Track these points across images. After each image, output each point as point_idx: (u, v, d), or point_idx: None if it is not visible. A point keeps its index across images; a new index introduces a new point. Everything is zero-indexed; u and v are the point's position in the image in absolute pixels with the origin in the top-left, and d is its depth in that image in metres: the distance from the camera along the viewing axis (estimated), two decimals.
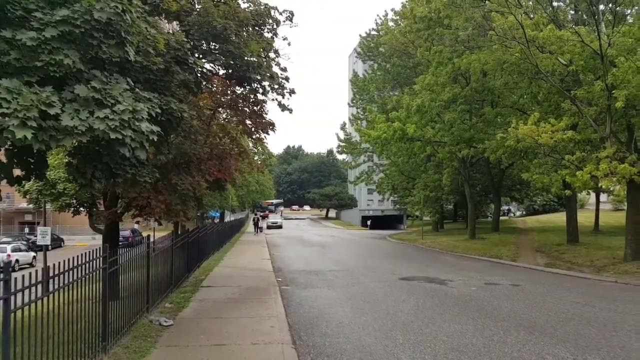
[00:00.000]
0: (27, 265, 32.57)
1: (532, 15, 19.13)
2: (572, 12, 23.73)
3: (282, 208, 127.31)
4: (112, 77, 6.52)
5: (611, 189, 28.41)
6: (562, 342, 8.12)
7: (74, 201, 17.53)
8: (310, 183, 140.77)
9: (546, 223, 45.60)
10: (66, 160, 9.60)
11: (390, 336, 8.66)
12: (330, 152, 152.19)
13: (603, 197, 42.34)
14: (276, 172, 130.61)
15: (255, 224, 54.71)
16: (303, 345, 8.19)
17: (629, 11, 22.06)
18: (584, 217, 37.18)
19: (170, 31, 9.51)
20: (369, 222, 77.55)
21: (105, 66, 6.77)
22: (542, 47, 18.18)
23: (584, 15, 21.81)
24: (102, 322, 7.12)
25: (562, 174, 18.44)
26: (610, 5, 21.53)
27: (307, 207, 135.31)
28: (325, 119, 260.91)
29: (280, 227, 64.68)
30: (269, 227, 63.37)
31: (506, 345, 7.93)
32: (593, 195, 40.32)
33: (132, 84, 6.95)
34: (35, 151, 6.19)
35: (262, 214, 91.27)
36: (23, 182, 7.41)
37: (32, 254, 34.42)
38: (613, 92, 16.44)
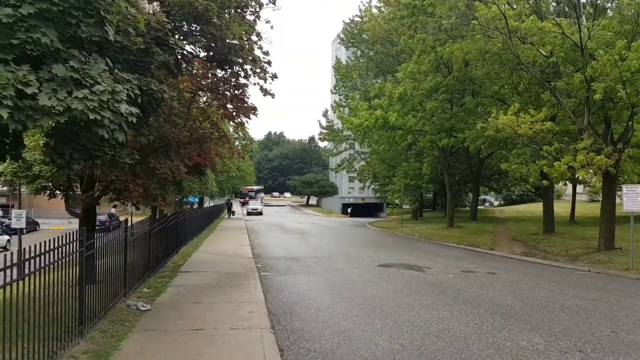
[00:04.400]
0: (1, 249, 31.98)
1: (515, 6, 19.24)
2: (554, 3, 23.94)
3: (262, 195, 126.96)
4: (91, 57, 6.38)
5: (587, 180, 29.00)
6: (536, 328, 8.30)
7: (50, 184, 17.18)
8: (292, 170, 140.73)
9: (523, 213, 46.36)
10: (43, 141, 9.41)
11: (369, 321, 8.74)
12: (312, 139, 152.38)
13: (579, 188, 43.20)
14: (257, 159, 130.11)
15: (229, 208, 59.34)
16: (282, 330, 8.23)
17: (609, 4, 22.34)
18: (561, 208, 37.89)
19: (151, 11, 9.33)
20: (349, 210, 77.93)
21: (84, 46, 6.62)
22: (524, 38, 18.32)
23: (566, 8, 21.99)
24: (79, 306, 7.04)
25: (540, 165, 18.71)
26: None
27: (287, 194, 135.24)
28: (307, 105, 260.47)
29: (260, 213, 64.58)
30: (249, 214, 63.28)
31: (482, 331, 8.07)
32: (570, 186, 41.10)
33: (112, 64, 6.82)
34: (11, 131, 6.04)
35: (242, 200, 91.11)
36: None
37: (6, 237, 33.73)
38: (592, 84, 16.67)
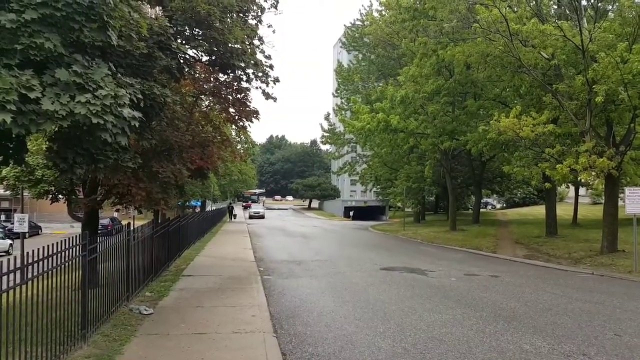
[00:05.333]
0: (4, 253, 31.97)
1: (516, 9, 19.26)
2: (555, 6, 23.95)
3: (264, 198, 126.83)
4: (93, 62, 6.40)
5: (590, 182, 28.95)
6: (539, 331, 8.28)
7: (53, 188, 17.21)
8: (294, 173, 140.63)
9: (526, 215, 46.30)
10: (46, 145, 9.44)
11: (371, 325, 8.73)
12: (313, 142, 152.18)
13: (582, 191, 43.15)
14: (259, 162, 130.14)
15: (230, 211, 60.26)
16: (285, 333, 8.22)
17: (610, 7, 22.33)
18: (563, 210, 37.82)
19: (153, 16, 9.36)
20: (351, 213, 77.86)
21: (87, 50, 6.64)
22: (525, 41, 18.33)
23: (567, 10, 22.00)
24: (81, 310, 7.05)
25: (542, 167, 18.70)
26: (592, 0, 21.77)
27: (289, 198, 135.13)
28: (309, 109, 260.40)
29: (262, 217, 64.66)
30: (251, 217, 63.40)
31: (485, 335, 8.05)
32: (572, 188, 41.05)
33: (114, 69, 6.84)
34: (14, 135, 6.06)
35: (244, 204, 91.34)
36: (1, 167, 7.28)
37: (9, 241, 33.77)
38: (593, 86, 16.66)
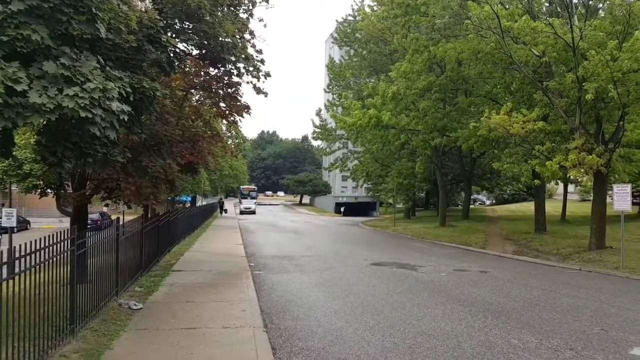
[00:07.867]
0: None
1: (507, 6, 19.30)
2: (547, 4, 24.03)
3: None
4: (82, 55, 6.34)
5: (579, 179, 29.16)
6: (527, 326, 8.35)
7: (41, 182, 17.04)
8: (285, 169, 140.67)
9: (515, 212, 46.58)
10: (34, 139, 9.34)
11: (361, 320, 8.76)
12: (305, 138, 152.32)
13: (571, 187, 43.44)
14: (250, 158, 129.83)
15: (221, 206, 61.23)
16: (275, 328, 8.23)
17: (601, 5, 22.45)
18: (552, 207, 38.09)
19: (143, 9, 9.28)
20: (342, 209, 77.87)
21: (75, 43, 6.58)
22: (517, 38, 18.38)
23: (558, 8, 22.09)
24: (70, 305, 7.00)
25: (532, 164, 18.79)
26: None
27: (281, 193, 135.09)
28: (301, 104, 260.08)
29: (253, 212, 64.67)
30: (242, 213, 63.37)
31: (474, 330, 8.10)
32: (561, 185, 41.36)
33: (103, 62, 6.78)
34: (0, 129, 5.99)
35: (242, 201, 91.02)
36: None
37: None
38: (583, 84, 16.75)
